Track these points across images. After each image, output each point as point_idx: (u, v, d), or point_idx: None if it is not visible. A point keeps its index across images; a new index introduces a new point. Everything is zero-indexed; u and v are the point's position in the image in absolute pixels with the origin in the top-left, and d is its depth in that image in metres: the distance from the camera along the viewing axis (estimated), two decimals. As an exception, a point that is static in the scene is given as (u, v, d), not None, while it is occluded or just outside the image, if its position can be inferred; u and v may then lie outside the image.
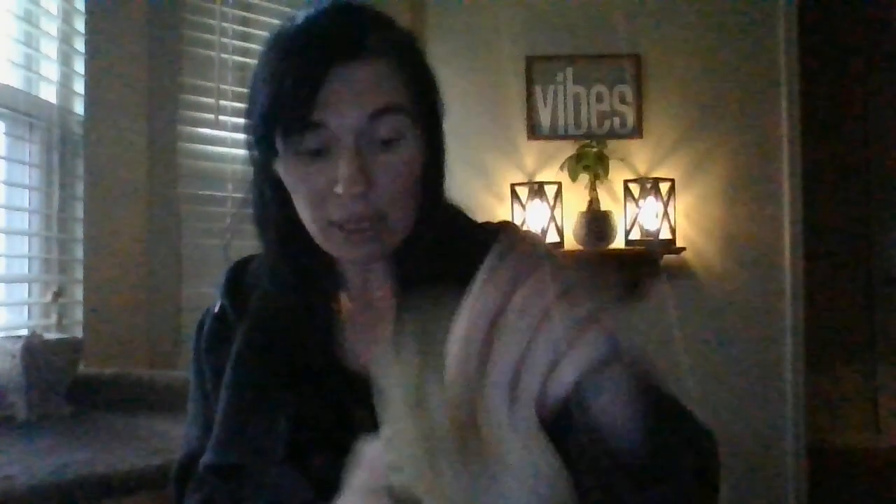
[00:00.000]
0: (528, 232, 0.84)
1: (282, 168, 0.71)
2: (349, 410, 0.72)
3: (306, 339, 0.75)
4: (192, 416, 0.81)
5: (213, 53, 2.11)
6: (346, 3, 0.71)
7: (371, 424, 0.72)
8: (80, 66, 1.78)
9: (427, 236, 0.74)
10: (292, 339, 0.75)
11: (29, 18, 1.67)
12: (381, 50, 0.68)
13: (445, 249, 0.74)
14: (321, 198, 0.69)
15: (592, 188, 2.62)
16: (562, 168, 2.63)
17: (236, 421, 0.72)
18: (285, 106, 0.66)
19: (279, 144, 0.68)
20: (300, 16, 0.70)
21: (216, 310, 0.81)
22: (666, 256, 2.65)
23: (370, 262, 0.75)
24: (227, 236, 0.82)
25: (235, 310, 0.79)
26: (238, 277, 0.82)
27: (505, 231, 0.78)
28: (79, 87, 1.77)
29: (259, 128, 0.69)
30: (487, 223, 0.83)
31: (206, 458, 0.72)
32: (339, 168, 0.67)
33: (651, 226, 2.58)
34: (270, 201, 0.74)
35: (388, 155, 0.68)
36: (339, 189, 0.67)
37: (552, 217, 2.57)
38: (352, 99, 0.66)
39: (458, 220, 0.80)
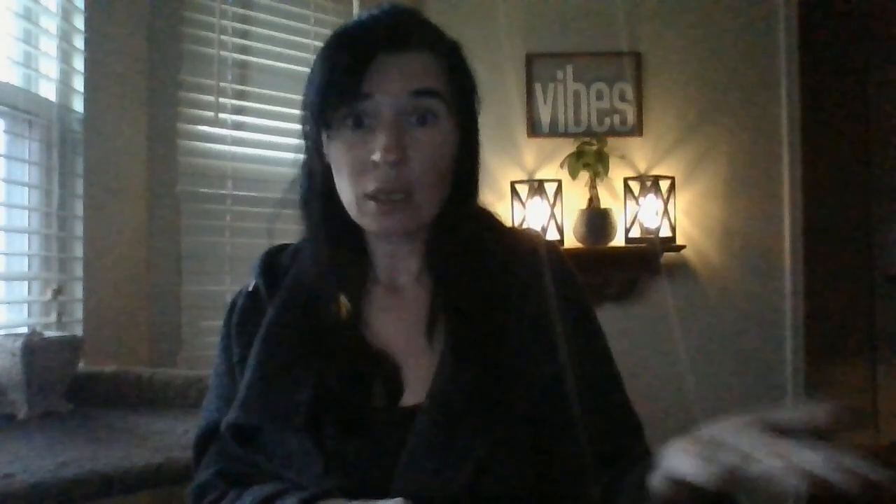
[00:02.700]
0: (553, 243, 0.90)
1: (329, 146, 0.80)
2: (369, 385, 0.78)
3: (334, 316, 0.81)
4: (216, 389, 0.86)
5: (212, 51, 2.11)
6: (401, 7, 0.80)
7: (388, 399, 0.78)
8: (79, 63, 1.77)
9: (454, 225, 0.82)
10: (321, 316, 0.81)
11: (28, 16, 1.66)
12: (427, 45, 0.78)
13: (474, 244, 0.82)
14: (360, 169, 0.77)
15: (592, 186, 2.62)
16: (562, 166, 2.62)
17: (261, 387, 0.79)
18: (340, 78, 0.75)
19: (331, 116, 0.77)
20: (362, 14, 0.80)
21: (250, 288, 0.88)
22: (666, 254, 2.65)
23: (397, 234, 0.81)
24: (272, 219, 0.89)
25: (268, 289, 0.85)
26: (272, 261, 0.89)
27: (533, 240, 0.86)
28: (78, 84, 1.77)
29: (315, 101, 0.78)
30: (513, 228, 0.91)
31: (229, 417, 0.79)
32: (377, 138, 0.75)
33: (651, 223, 2.58)
34: (318, 180, 0.82)
35: (423, 131, 0.77)
36: (376, 157, 0.75)
37: (552, 215, 2.57)
38: (396, 77, 0.76)
39: (487, 220, 0.87)
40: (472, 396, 0.75)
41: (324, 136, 0.80)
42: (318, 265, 0.83)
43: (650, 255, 2.62)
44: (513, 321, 0.79)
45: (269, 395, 0.78)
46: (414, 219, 0.79)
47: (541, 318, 0.79)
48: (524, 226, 2.55)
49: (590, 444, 0.76)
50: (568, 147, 2.63)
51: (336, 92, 0.75)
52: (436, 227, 0.82)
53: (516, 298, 0.80)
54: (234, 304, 0.88)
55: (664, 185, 2.60)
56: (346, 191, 0.79)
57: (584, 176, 2.61)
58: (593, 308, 0.86)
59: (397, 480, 0.72)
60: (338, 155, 0.79)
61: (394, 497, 0.69)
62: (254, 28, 2.23)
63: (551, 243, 0.88)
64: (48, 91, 1.71)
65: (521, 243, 0.86)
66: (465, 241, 0.82)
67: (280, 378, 0.78)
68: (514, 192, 2.59)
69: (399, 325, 0.82)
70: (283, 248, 0.90)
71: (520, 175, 2.67)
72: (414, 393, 0.78)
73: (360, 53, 0.75)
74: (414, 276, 0.85)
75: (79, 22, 1.78)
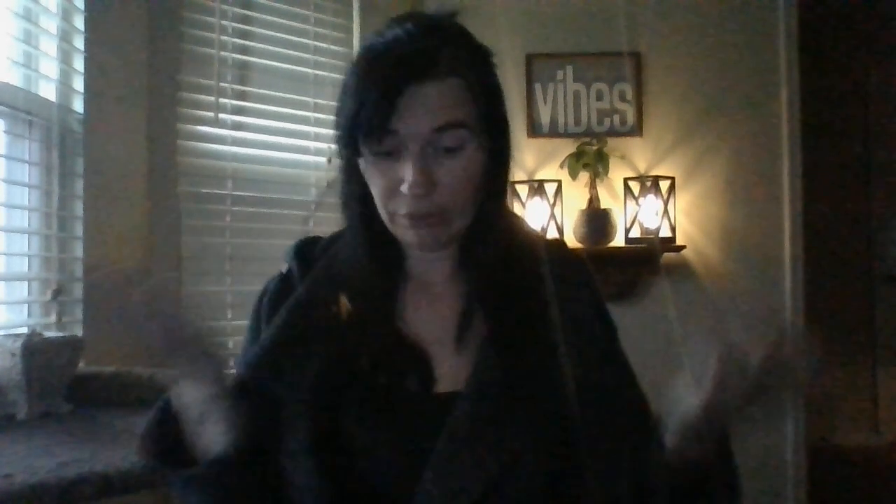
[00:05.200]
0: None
1: (362, 164, 0.84)
2: (400, 372, 0.81)
3: (365, 303, 0.84)
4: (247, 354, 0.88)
5: (212, 51, 2.11)
6: (429, 22, 0.83)
7: (417, 390, 0.80)
8: (79, 63, 1.77)
9: (485, 230, 0.85)
10: (353, 303, 0.84)
11: (28, 16, 1.66)
12: (453, 70, 0.80)
13: (503, 246, 0.86)
14: (390, 193, 0.81)
15: (592, 186, 2.62)
16: (562, 166, 2.62)
17: (276, 351, 0.82)
18: (367, 116, 0.77)
19: (361, 145, 0.80)
20: (388, 33, 0.81)
21: (283, 271, 0.91)
22: (666, 255, 2.64)
23: (430, 249, 0.85)
24: (312, 210, 0.93)
25: (300, 274, 0.89)
26: (307, 248, 0.92)
27: (558, 245, 0.94)
28: (78, 84, 1.77)
29: (345, 132, 0.81)
30: (538, 233, 0.97)
31: (236, 375, 0.81)
32: (405, 170, 0.78)
33: (651, 224, 2.58)
34: (354, 189, 0.87)
35: (450, 161, 0.80)
36: (404, 188, 0.79)
37: (552, 215, 2.57)
38: (421, 114, 0.77)
39: (515, 225, 0.93)
40: (511, 388, 0.77)
41: (357, 158, 0.84)
42: (354, 258, 0.86)
43: (650, 256, 2.62)
44: (546, 319, 0.83)
45: (282, 360, 0.80)
46: (447, 233, 0.83)
47: (570, 318, 0.84)
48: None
49: (611, 439, 0.79)
50: (568, 147, 2.63)
51: (364, 127, 0.78)
52: (469, 231, 0.85)
53: (548, 298, 0.84)
54: (265, 289, 0.91)
55: (664, 185, 2.60)
56: (379, 206, 0.83)
57: (584, 176, 2.61)
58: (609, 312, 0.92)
59: (431, 467, 0.73)
60: (369, 175, 0.83)
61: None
62: (254, 28, 2.23)
63: (576, 251, 0.93)
64: (48, 91, 1.71)
65: (548, 248, 0.90)
66: (498, 244, 0.86)
67: (296, 346, 0.81)
68: (514, 192, 2.59)
69: (431, 319, 0.85)
70: (316, 239, 0.94)
71: (520, 175, 2.67)
72: (446, 384, 0.80)
73: (388, 89, 0.77)
74: (447, 276, 0.88)
75: (79, 22, 1.78)
